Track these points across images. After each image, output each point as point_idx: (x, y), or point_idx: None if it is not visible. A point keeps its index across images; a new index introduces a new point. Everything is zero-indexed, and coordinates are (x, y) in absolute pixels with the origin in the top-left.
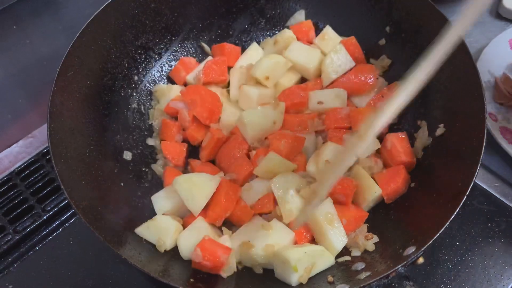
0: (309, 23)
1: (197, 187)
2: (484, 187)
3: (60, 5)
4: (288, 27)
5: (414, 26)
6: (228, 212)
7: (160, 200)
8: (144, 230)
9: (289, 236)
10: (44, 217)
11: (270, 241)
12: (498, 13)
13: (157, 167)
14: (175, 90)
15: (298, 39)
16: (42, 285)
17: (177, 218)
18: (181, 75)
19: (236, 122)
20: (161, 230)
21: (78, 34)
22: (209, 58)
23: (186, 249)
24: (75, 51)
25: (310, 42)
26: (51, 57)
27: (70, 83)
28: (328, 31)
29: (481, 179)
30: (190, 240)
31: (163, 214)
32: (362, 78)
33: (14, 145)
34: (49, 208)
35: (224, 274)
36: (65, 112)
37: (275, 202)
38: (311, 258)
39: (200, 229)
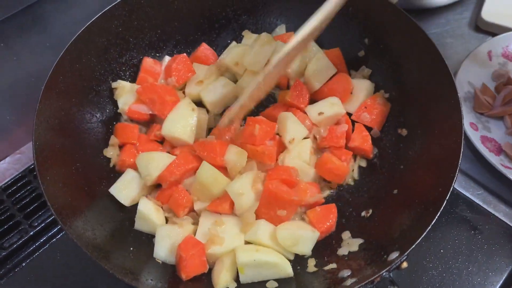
0: (292, 34)
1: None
2: (467, 195)
3: (47, 22)
4: None
5: (390, 36)
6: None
7: (121, 190)
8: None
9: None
10: (31, 233)
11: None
12: (476, 26)
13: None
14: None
15: None
16: None
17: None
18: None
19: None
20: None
21: (62, 53)
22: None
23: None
24: (60, 69)
25: None
26: (39, 74)
27: (55, 101)
28: (310, 42)
29: (464, 188)
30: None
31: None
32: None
33: (2, 162)
34: (36, 224)
35: None
36: (50, 130)
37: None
38: (259, 266)
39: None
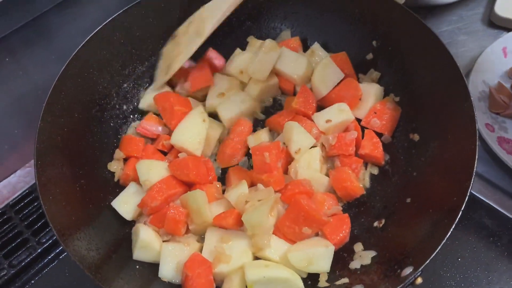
0: (297, 39)
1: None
2: (484, 199)
3: (53, 34)
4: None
5: (399, 38)
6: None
7: (123, 204)
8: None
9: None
10: (39, 250)
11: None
12: (490, 21)
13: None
14: None
15: None
16: None
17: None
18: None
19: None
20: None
21: (63, 68)
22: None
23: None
24: (61, 85)
25: None
26: (46, 87)
27: (57, 117)
28: (316, 47)
29: (481, 192)
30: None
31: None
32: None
33: (12, 176)
34: (44, 240)
35: None
36: (53, 148)
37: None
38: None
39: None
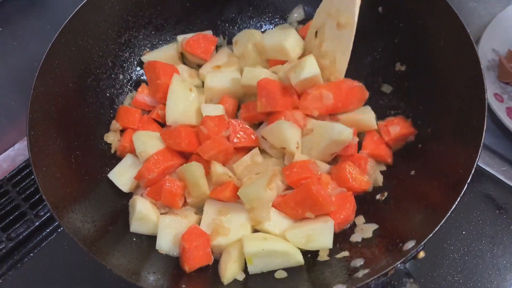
0: None
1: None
2: (491, 171)
3: (47, 3)
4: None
5: (406, 2)
6: None
7: (119, 176)
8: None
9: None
10: (37, 223)
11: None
12: None
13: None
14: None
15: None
16: None
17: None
18: None
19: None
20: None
21: (55, 36)
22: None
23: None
24: (54, 54)
25: None
26: (42, 57)
27: (50, 87)
28: None
29: (487, 163)
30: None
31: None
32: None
33: (11, 149)
34: (42, 214)
35: (225, 280)
36: (46, 118)
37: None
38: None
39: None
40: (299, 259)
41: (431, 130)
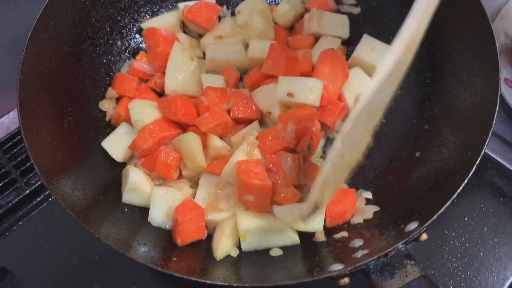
0: None
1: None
2: (497, 158)
3: None
4: None
5: None
6: None
7: (113, 145)
8: None
9: None
10: (28, 191)
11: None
12: None
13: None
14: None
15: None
16: (26, 262)
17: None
18: None
19: None
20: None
21: None
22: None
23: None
24: (49, 13)
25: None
26: None
27: (44, 48)
28: None
29: (494, 150)
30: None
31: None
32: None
33: (5, 116)
34: (33, 182)
35: (217, 256)
36: (38, 80)
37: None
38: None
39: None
40: (295, 238)
41: (438, 112)
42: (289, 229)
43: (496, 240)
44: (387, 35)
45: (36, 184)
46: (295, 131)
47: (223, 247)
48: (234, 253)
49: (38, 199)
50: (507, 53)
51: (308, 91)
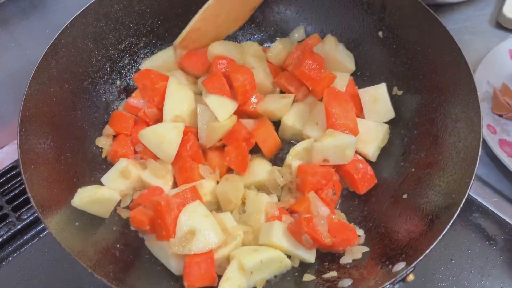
0: (316, 36)
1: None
2: (482, 202)
3: (48, 6)
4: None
5: (407, 30)
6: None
7: (113, 181)
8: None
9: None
10: (19, 226)
11: None
12: (498, 23)
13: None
14: None
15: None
16: None
17: None
18: None
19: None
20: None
21: (56, 36)
22: None
23: None
24: (52, 53)
25: None
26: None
27: (46, 86)
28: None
29: (479, 194)
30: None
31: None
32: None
33: (0, 151)
34: (25, 217)
35: None
36: (39, 116)
37: None
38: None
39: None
40: (289, 264)
41: (424, 155)
42: (284, 256)
43: (482, 282)
44: None
45: (28, 220)
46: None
47: None
48: None
49: (29, 234)
50: (489, 100)
51: (342, 153)
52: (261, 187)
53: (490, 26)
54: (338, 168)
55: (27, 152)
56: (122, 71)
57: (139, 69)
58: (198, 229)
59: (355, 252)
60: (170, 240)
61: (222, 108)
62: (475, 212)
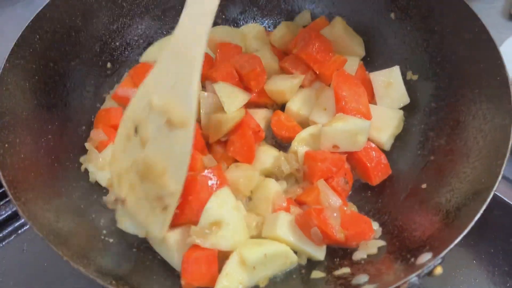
0: (323, 19)
1: None
2: (505, 199)
3: None
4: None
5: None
6: None
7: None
8: None
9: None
10: None
11: None
12: (510, 15)
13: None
14: None
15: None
16: None
17: None
18: None
19: None
20: None
21: (40, 9)
22: None
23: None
24: (36, 27)
25: None
26: None
27: (27, 62)
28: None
29: (501, 191)
30: None
31: None
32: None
33: None
34: (3, 213)
35: None
36: (18, 92)
37: None
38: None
39: None
40: (295, 258)
41: (445, 142)
42: (290, 250)
43: (508, 285)
44: None
45: (5, 215)
46: None
47: None
48: None
49: (6, 231)
50: None
51: (353, 139)
52: (268, 175)
53: (501, 19)
54: (349, 156)
55: (1, 130)
56: (114, 53)
57: (134, 53)
58: (226, 222)
59: (370, 246)
60: (192, 228)
61: (231, 99)
62: (497, 209)
